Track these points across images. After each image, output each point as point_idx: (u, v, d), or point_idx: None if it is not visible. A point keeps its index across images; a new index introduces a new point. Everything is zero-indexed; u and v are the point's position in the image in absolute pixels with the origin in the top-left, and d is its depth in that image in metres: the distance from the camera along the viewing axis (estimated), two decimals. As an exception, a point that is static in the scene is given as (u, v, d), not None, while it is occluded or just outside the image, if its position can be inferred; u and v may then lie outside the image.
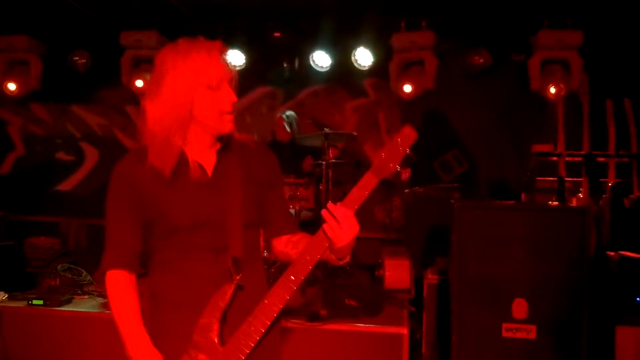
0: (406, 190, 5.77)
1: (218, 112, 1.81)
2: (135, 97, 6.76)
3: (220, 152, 1.89)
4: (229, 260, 1.79)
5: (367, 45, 6.14)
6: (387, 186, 6.44)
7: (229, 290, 1.75)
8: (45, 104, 7.06)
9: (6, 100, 6.83)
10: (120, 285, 1.85)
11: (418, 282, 4.87)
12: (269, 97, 6.84)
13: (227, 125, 1.84)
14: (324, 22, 6.02)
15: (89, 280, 5.18)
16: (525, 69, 5.77)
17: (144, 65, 6.40)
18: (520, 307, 3.91)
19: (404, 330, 3.98)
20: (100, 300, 4.59)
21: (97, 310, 4.30)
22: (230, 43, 6.32)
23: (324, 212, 1.72)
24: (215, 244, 1.80)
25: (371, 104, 6.70)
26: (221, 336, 1.73)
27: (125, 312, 1.81)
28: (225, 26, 6.28)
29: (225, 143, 1.90)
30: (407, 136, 1.81)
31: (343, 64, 6.33)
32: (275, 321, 1.75)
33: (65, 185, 7.05)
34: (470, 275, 4.00)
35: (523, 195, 4.61)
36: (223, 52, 1.84)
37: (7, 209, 5.71)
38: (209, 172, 1.86)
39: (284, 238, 1.99)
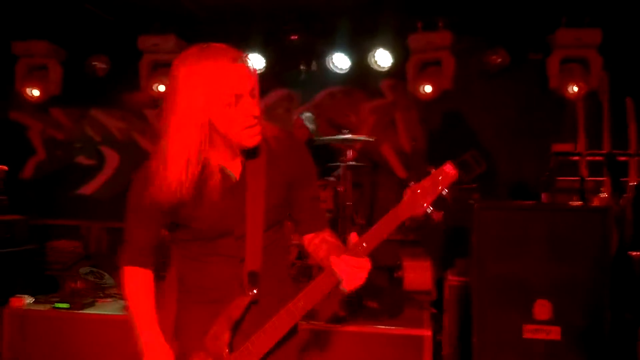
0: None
1: (240, 127, 1.71)
2: (154, 101, 6.83)
3: (247, 159, 1.83)
4: (245, 274, 1.79)
5: (384, 46, 6.13)
6: (405, 187, 6.43)
7: (243, 303, 1.77)
8: (64, 109, 7.13)
9: (26, 106, 6.91)
10: (137, 282, 1.89)
11: (439, 283, 4.86)
12: (286, 100, 6.86)
13: (251, 140, 1.74)
14: (341, 24, 6.03)
15: (112, 283, 5.24)
16: (543, 68, 5.73)
17: (162, 69, 6.44)
18: (542, 308, 3.89)
19: (427, 332, 3.97)
20: (123, 303, 4.63)
21: (120, 313, 4.34)
22: (247, 46, 6.35)
23: (338, 260, 1.65)
24: (236, 253, 1.81)
25: (388, 105, 6.70)
26: (231, 345, 1.76)
27: (140, 309, 1.86)
28: (242, 29, 6.30)
29: (252, 150, 1.81)
30: (446, 174, 1.64)
31: (360, 65, 6.32)
32: (284, 340, 1.76)
33: (86, 189, 7.12)
34: (490, 276, 3.99)
35: (543, 196, 4.58)
36: (239, 59, 1.69)
37: (28, 213, 5.77)
38: (237, 176, 1.82)
39: (311, 235, 1.98)
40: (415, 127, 6.61)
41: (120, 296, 4.81)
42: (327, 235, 1.95)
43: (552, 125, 5.92)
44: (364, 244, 1.66)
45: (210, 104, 1.66)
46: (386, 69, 6.24)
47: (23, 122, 7.17)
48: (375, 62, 6.18)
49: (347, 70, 6.34)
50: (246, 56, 1.73)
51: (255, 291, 1.78)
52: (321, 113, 6.61)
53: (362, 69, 6.34)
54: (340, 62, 6.30)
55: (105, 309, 4.47)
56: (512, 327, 3.92)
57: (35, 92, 6.55)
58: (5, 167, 4.21)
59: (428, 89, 5.95)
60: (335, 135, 5.31)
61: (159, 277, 1.96)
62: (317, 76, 6.57)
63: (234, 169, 1.82)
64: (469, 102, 6.33)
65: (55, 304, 4.28)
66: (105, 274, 5.31)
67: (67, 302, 4.29)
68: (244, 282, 1.78)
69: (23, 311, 4.24)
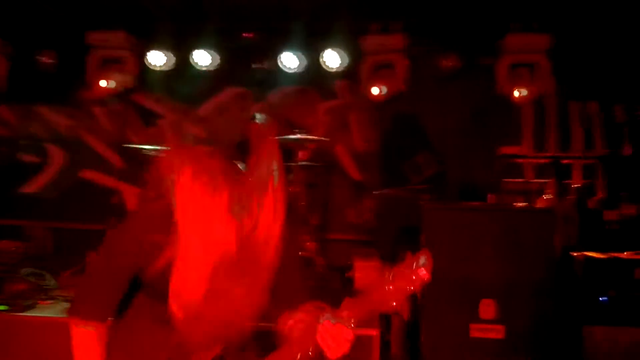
0: (376, 192, 5.79)
1: None
2: (102, 98, 6.66)
3: None
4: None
5: (337, 47, 6.14)
6: (358, 188, 6.46)
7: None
8: (9, 105, 6.89)
9: (-32, 102, 6.67)
10: (90, 340, 1.81)
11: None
12: (240, 98, 6.79)
13: None
14: (295, 23, 6.01)
15: (54, 284, 5.08)
16: (492, 72, 5.85)
17: (111, 65, 6.30)
18: (487, 308, 3.95)
19: (374, 332, 3.97)
20: (65, 305, 4.50)
21: (62, 316, 4.21)
22: (199, 43, 6.27)
23: (321, 327, 1.66)
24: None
25: (342, 105, 6.70)
26: None
27: None
28: (194, 26, 6.22)
29: None
30: (420, 278, 1.69)
31: (314, 66, 6.31)
32: None
33: (30, 187, 6.89)
34: (439, 276, 3.96)
35: (490, 197, 4.66)
36: None
37: (-32, 212, 5.57)
38: None
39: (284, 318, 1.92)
40: (369, 128, 6.64)
41: (63, 298, 4.67)
42: (301, 316, 1.89)
43: (501, 128, 6.03)
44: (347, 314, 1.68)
45: None
46: (339, 70, 6.24)
47: (-35, 118, 6.90)
48: (324, 62, 6.18)
49: (301, 70, 6.31)
50: None
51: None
52: (276, 113, 6.57)
53: (317, 70, 6.33)
54: (289, 61, 6.27)
55: (47, 311, 4.33)
56: (459, 326, 3.97)
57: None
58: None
59: (377, 90, 5.98)
60: (288, 134, 5.28)
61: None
62: (271, 75, 6.53)
63: None
64: (422, 104, 6.39)
65: (-7, 305, 4.12)
66: (48, 274, 5.14)
67: (6, 304, 4.14)
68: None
69: (-43, 314, 4.07)
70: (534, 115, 5.50)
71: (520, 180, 4.66)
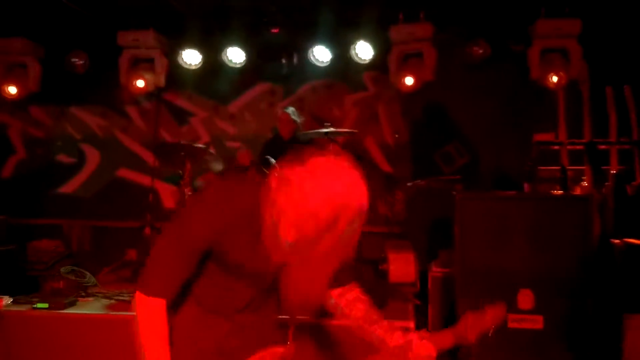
0: (408, 184, 5.76)
1: None
2: (134, 98, 6.76)
3: None
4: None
5: (365, 38, 6.11)
6: (389, 180, 6.43)
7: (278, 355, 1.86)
8: (44, 107, 7.04)
9: (5, 104, 6.81)
10: (158, 315, 1.79)
11: (422, 275, 4.86)
12: (269, 94, 6.82)
13: None
14: (322, 16, 5.99)
15: (93, 282, 5.18)
16: (524, 59, 5.74)
17: (142, 64, 6.37)
18: (525, 298, 3.90)
19: (410, 324, 3.96)
20: (104, 301, 4.59)
21: (101, 312, 4.30)
22: (228, 40, 6.31)
23: (417, 345, 1.83)
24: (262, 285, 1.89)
25: (371, 97, 6.68)
26: None
27: (154, 343, 1.78)
28: (222, 23, 6.25)
29: None
30: (497, 315, 1.93)
31: (342, 58, 6.30)
32: None
33: (67, 188, 7.04)
34: (474, 267, 4.00)
35: (525, 185, 4.59)
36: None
37: (8, 213, 5.70)
38: None
39: (346, 293, 1.98)
40: (398, 119, 6.61)
41: (102, 295, 4.77)
42: (358, 292, 1.98)
43: (534, 115, 5.95)
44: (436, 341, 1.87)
45: None
46: (368, 62, 6.21)
47: (2, 120, 7.06)
48: (357, 54, 6.15)
49: (328, 63, 6.31)
50: None
51: (293, 347, 1.89)
52: (304, 107, 6.59)
53: (344, 62, 6.32)
54: (321, 55, 6.27)
55: (87, 308, 4.41)
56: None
57: (12, 90, 6.44)
58: (-19, 167, 4.14)
59: (410, 80, 5.93)
60: (318, 129, 5.28)
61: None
62: (299, 70, 6.53)
63: None
64: (451, 93, 6.33)
65: (35, 304, 4.22)
66: (87, 272, 5.24)
67: (47, 302, 4.23)
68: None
69: (2, 312, 4.17)
70: (567, 101, 5.38)
71: (555, 167, 4.57)
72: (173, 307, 1.88)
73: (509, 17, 5.85)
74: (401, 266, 5.01)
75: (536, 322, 3.88)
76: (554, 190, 4.33)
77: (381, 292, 4.49)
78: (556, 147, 4.76)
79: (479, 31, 6.02)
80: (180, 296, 1.90)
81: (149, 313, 1.78)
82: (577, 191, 4.44)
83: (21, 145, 7.08)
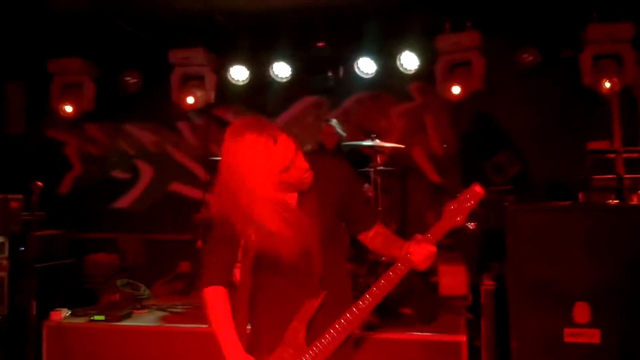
0: (458, 194, 5.67)
1: (297, 179, 2.10)
2: (185, 114, 6.92)
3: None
4: (314, 278, 2.14)
5: (411, 49, 6.09)
6: (437, 190, 6.36)
7: (315, 304, 2.12)
8: (99, 124, 7.28)
9: (62, 123, 7.09)
10: (217, 301, 2.16)
11: (474, 288, 4.78)
12: (315, 107, 6.87)
13: (306, 185, 2.14)
14: (367, 28, 6.01)
15: (148, 294, 5.30)
16: (576, 65, 5.60)
17: (192, 81, 6.53)
18: (581, 311, 3.79)
19: (462, 338, 3.91)
20: (158, 313, 4.69)
21: (156, 324, 4.39)
22: (274, 55, 6.39)
23: (412, 248, 2.09)
24: (302, 260, 2.13)
25: (417, 108, 6.64)
26: (307, 338, 2.11)
27: (221, 324, 2.13)
28: (269, 39, 6.35)
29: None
30: (475, 193, 2.12)
31: (388, 69, 6.30)
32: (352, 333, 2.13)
33: (122, 202, 7.25)
34: (527, 280, 3.91)
35: (580, 195, 4.47)
36: (279, 133, 2.04)
37: (66, 227, 5.90)
38: (294, 202, 2.17)
39: (369, 232, 2.31)
40: (446, 129, 6.54)
41: (156, 307, 4.87)
42: (378, 228, 2.31)
43: (587, 122, 5.78)
44: (429, 236, 2.11)
45: (271, 176, 2.02)
46: (414, 72, 6.19)
47: (60, 138, 7.34)
48: (402, 65, 6.14)
49: (374, 75, 6.31)
50: (281, 130, 2.07)
51: (323, 294, 2.13)
52: (350, 119, 6.60)
53: (389, 73, 6.31)
54: (366, 66, 6.28)
55: (142, 320, 4.53)
56: (552, 331, 3.83)
57: (69, 109, 6.70)
58: (40, 184, 4.30)
59: (457, 90, 5.87)
60: (363, 140, 5.29)
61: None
62: (344, 82, 6.56)
63: (291, 199, 2.17)
64: (501, 102, 6.23)
65: (92, 316, 4.35)
66: (142, 285, 5.39)
67: (103, 315, 4.36)
68: (312, 287, 2.13)
69: (61, 324, 4.32)
70: (621, 108, 5.22)
71: (611, 176, 4.43)
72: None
73: (558, 23, 5.72)
74: (452, 279, 4.95)
75: (593, 336, 3.76)
76: (609, 200, 4.20)
77: (432, 306, 4.44)
78: (611, 155, 4.62)
79: (527, 38, 5.92)
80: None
81: (210, 302, 2.15)
82: (634, 200, 4.29)
83: (78, 162, 7.34)
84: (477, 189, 2.12)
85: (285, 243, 2.09)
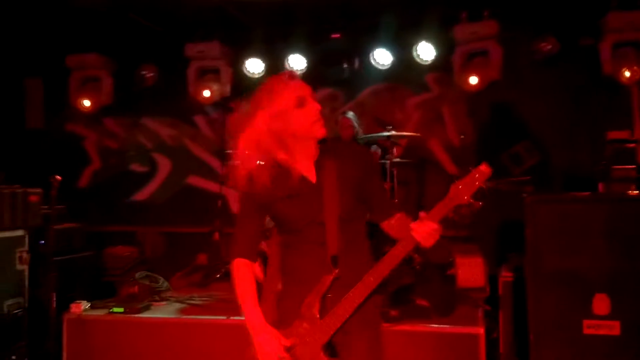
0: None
1: (309, 122, 2.20)
2: (202, 107, 6.94)
3: (319, 162, 2.28)
4: (327, 256, 2.22)
5: (428, 39, 6.04)
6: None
7: (328, 280, 2.20)
8: (117, 118, 7.34)
9: (80, 117, 7.15)
10: (243, 272, 2.30)
11: (492, 279, 4.74)
12: (330, 99, 6.84)
13: (320, 130, 2.23)
14: (384, 19, 5.97)
15: (166, 286, 5.35)
16: (595, 54, 5.52)
17: (208, 75, 6.55)
18: (601, 303, 3.75)
19: (480, 330, 3.88)
20: (177, 305, 4.73)
21: (175, 316, 4.43)
22: (289, 47, 6.38)
23: (414, 224, 2.13)
24: (319, 239, 2.24)
25: (434, 99, 6.59)
26: (320, 311, 2.20)
27: (246, 296, 2.26)
28: (284, 31, 6.34)
29: (328, 154, 2.29)
30: (482, 172, 2.12)
31: (404, 60, 6.25)
32: (363, 303, 2.18)
33: (140, 195, 7.30)
34: (546, 272, 3.88)
35: (599, 186, 4.41)
36: (296, 77, 2.25)
37: (85, 221, 5.97)
38: (313, 179, 2.28)
39: (391, 220, 2.38)
40: (464, 120, 6.49)
41: (174, 299, 4.92)
42: (401, 216, 2.37)
43: (607, 112, 5.69)
44: (433, 213, 2.15)
45: (284, 110, 2.18)
46: (430, 62, 6.14)
47: (78, 132, 7.41)
48: (418, 55, 6.09)
49: (389, 66, 6.27)
50: (296, 74, 2.29)
51: (336, 270, 2.21)
52: (366, 111, 6.57)
53: (405, 64, 6.26)
54: (382, 58, 6.24)
55: (161, 312, 4.57)
56: (571, 323, 3.79)
57: (87, 103, 6.76)
58: (59, 178, 4.35)
59: (474, 80, 5.82)
60: (379, 132, 5.26)
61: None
62: (360, 74, 6.53)
63: (311, 174, 2.29)
64: (519, 92, 6.16)
65: (112, 308, 4.40)
66: (161, 277, 5.43)
67: (122, 307, 4.41)
68: (327, 262, 2.22)
69: (81, 316, 4.38)
70: (642, 97, 5.15)
71: (631, 166, 4.36)
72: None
73: (577, 11, 5.63)
74: (470, 271, 4.92)
75: (613, 328, 3.72)
76: (629, 191, 4.14)
77: (449, 298, 4.42)
78: (631, 145, 4.54)
79: (546, 27, 5.82)
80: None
81: (237, 273, 2.30)
82: (656, 191, 4.22)
83: (97, 156, 7.40)
84: (484, 168, 2.12)
85: (295, 211, 2.25)
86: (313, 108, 2.21)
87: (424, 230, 2.11)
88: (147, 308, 4.57)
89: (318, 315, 2.20)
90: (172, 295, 5.06)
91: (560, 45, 5.78)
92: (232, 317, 4.21)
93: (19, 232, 4.95)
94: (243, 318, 2.24)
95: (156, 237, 6.99)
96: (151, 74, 6.90)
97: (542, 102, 6.05)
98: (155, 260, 6.62)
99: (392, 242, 2.26)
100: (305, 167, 2.27)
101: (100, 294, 5.08)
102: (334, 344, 2.21)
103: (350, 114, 5.95)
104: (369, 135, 5.54)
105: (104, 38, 6.63)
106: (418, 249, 2.21)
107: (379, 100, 6.69)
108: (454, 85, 6.12)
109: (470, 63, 5.92)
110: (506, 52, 5.79)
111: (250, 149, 2.22)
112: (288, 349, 2.19)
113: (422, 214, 2.15)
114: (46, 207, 4.98)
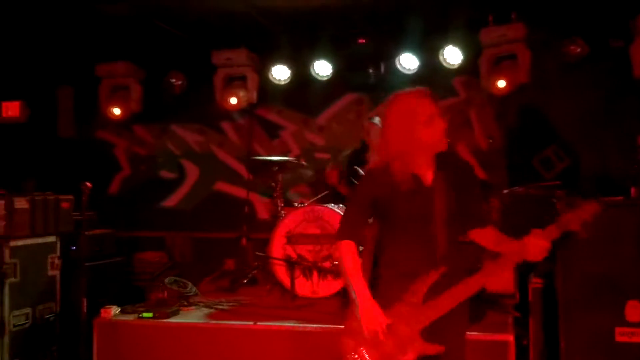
0: (505, 191, 5.56)
1: (436, 139, 2.50)
2: (229, 114, 7.00)
3: (436, 170, 2.56)
4: (436, 252, 2.48)
5: (454, 43, 6.00)
6: (483, 187, 6.24)
7: (435, 275, 2.44)
8: (146, 126, 7.44)
9: (111, 125, 7.28)
10: (350, 252, 2.56)
11: (522, 286, 4.67)
12: (356, 104, 6.84)
13: (443, 146, 2.54)
14: (409, 23, 5.95)
15: (194, 291, 5.38)
16: (625, 56, 5.41)
17: (235, 82, 6.61)
18: (634, 310, 3.67)
19: (510, 337, 3.83)
20: (205, 310, 4.76)
21: (202, 321, 4.46)
22: (315, 54, 6.40)
23: (527, 240, 2.41)
24: (426, 237, 2.50)
25: (461, 102, 6.54)
26: (423, 300, 2.45)
27: (354, 271, 2.53)
28: (310, 37, 6.36)
29: (439, 163, 2.57)
30: (591, 209, 2.39)
31: (430, 65, 6.22)
32: (464, 303, 2.47)
33: (169, 201, 7.38)
34: (577, 278, 3.82)
35: (632, 190, 4.32)
36: (430, 96, 2.52)
37: (115, 227, 6.06)
38: (428, 183, 2.55)
39: (483, 230, 2.62)
40: (492, 124, 6.42)
41: (203, 304, 4.94)
42: (491, 229, 2.62)
43: (638, 115, 5.58)
44: (546, 233, 2.41)
45: (414, 125, 2.45)
46: (457, 66, 6.09)
47: (109, 140, 7.53)
48: (445, 59, 6.05)
49: (416, 70, 6.25)
50: (429, 91, 2.55)
51: (443, 268, 2.44)
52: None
53: (431, 68, 6.23)
54: (408, 62, 6.22)
55: (189, 317, 4.60)
56: (604, 330, 3.72)
57: (117, 111, 6.88)
58: (90, 184, 4.42)
59: (502, 83, 5.76)
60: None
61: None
62: (386, 78, 6.51)
63: (427, 178, 2.56)
64: (548, 95, 6.09)
65: (141, 313, 4.44)
66: (189, 283, 5.47)
67: (151, 312, 4.45)
68: (433, 259, 2.47)
69: (111, 321, 4.43)
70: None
71: (664, 170, 4.28)
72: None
73: (607, 12, 5.54)
74: (499, 277, 4.85)
75: (647, 336, 3.63)
76: (663, 195, 4.05)
77: (478, 304, 4.36)
78: (664, 148, 4.45)
79: (575, 29, 5.74)
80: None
81: (345, 252, 2.56)
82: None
83: (126, 163, 7.51)
84: (595, 205, 2.38)
85: (408, 209, 2.51)
86: (440, 127, 2.48)
87: (538, 246, 2.38)
88: (175, 313, 4.59)
89: (421, 303, 2.44)
90: (200, 300, 5.09)
91: (590, 47, 5.69)
92: (259, 323, 4.22)
93: (51, 238, 5.07)
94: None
95: (185, 243, 7.05)
96: (179, 82, 7.00)
97: (572, 105, 5.96)
98: (184, 265, 6.69)
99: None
100: (423, 172, 2.55)
101: (130, 298, 5.14)
102: (430, 330, 2.44)
103: (377, 120, 5.94)
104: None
105: (132, 47, 6.74)
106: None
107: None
108: (482, 89, 6.06)
109: (498, 66, 5.87)
110: (534, 55, 5.72)
111: (381, 151, 2.59)
112: (388, 326, 2.44)
113: (536, 230, 2.42)
114: (77, 213, 5.07)
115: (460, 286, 2.45)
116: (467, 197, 2.58)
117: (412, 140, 2.46)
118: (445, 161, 2.58)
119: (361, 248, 2.68)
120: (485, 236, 2.62)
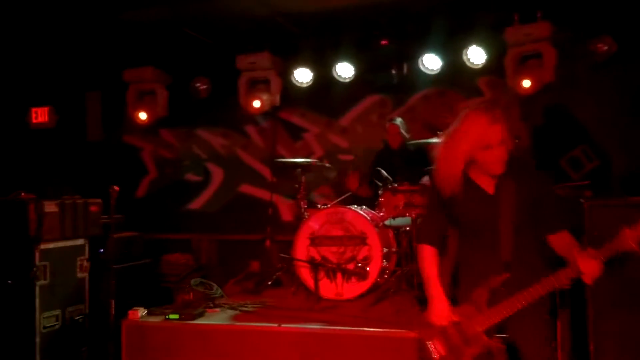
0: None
1: (489, 163, 2.67)
2: (253, 117, 7.06)
3: (500, 179, 2.71)
4: (499, 261, 2.65)
5: (478, 43, 5.95)
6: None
7: (499, 280, 2.63)
8: (172, 130, 7.53)
9: (138, 129, 7.39)
10: (428, 255, 2.85)
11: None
12: (379, 106, 6.82)
13: (497, 171, 2.69)
14: (433, 24, 5.92)
15: (220, 293, 5.42)
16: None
17: (258, 85, 6.66)
18: (666, 311, 3.59)
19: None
20: (230, 312, 4.79)
21: (228, 323, 4.49)
22: (338, 55, 6.41)
23: (583, 260, 2.50)
24: (492, 243, 2.70)
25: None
26: (488, 302, 2.66)
27: (429, 273, 2.82)
28: (333, 39, 6.37)
29: (510, 172, 2.69)
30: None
31: (454, 65, 6.18)
32: (525, 307, 2.58)
33: (195, 204, 7.46)
34: (606, 279, 3.72)
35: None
36: (495, 121, 2.63)
37: (143, 229, 6.13)
38: (491, 191, 2.74)
39: (556, 235, 2.71)
40: (518, 124, 6.35)
41: (228, 306, 4.97)
42: (564, 234, 2.70)
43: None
44: (601, 254, 2.50)
45: (473, 146, 2.64)
46: (481, 66, 6.04)
47: (136, 144, 7.64)
48: (469, 59, 6.00)
49: (439, 71, 6.21)
50: (501, 115, 2.66)
51: (507, 274, 2.62)
52: (415, 117, 6.51)
53: (455, 69, 6.19)
54: (431, 63, 6.19)
55: (215, 318, 4.63)
56: (633, 332, 3.65)
57: (143, 116, 6.99)
58: (117, 188, 4.49)
59: (528, 83, 5.69)
60: (428, 138, 5.21)
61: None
62: (409, 79, 6.50)
63: (489, 186, 2.76)
64: (575, 94, 5.99)
65: (168, 315, 4.49)
66: (215, 284, 5.50)
67: (178, 313, 4.49)
68: (498, 265, 2.64)
69: (138, 323, 4.48)
70: None
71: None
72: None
73: (635, 9, 5.44)
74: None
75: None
76: (695, 194, 3.96)
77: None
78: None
79: (602, 26, 5.65)
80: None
81: (423, 255, 2.86)
82: None
83: (153, 166, 7.61)
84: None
85: (471, 216, 2.73)
86: (494, 154, 2.63)
87: (593, 270, 2.49)
88: (201, 315, 4.63)
89: (486, 305, 2.65)
90: (226, 302, 5.12)
91: (617, 45, 5.60)
92: (283, 325, 4.23)
93: (80, 241, 5.16)
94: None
95: (210, 245, 7.11)
96: (204, 86, 7.09)
97: (599, 104, 5.86)
98: (210, 267, 6.74)
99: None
100: (484, 182, 2.74)
101: (157, 300, 5.19)
102: (494, 329, 2.65)
103: (398, 121, 5.93)
104: (420, 141, 5.49)
105: (158, 52, 6.85)
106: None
107: (428, 105, 6.63)
108: (507, 89, 6.00)
109: (523, 66, 5.80)
110: (561, 54, 5.64)
111: (447, 161, 2.72)
112: (455, 322, 2.71)
113: (591, 250, 2.51)
114: (106, 216, 5.15)
115: (522, 294, 2.58)
116: (539, 204, 2.69)
117: (471, 156, 2.66)
118: (516, 170, 2.70)
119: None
120: (558, 241, 2.70)
